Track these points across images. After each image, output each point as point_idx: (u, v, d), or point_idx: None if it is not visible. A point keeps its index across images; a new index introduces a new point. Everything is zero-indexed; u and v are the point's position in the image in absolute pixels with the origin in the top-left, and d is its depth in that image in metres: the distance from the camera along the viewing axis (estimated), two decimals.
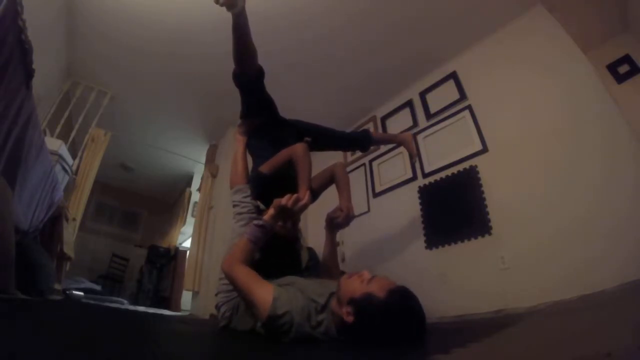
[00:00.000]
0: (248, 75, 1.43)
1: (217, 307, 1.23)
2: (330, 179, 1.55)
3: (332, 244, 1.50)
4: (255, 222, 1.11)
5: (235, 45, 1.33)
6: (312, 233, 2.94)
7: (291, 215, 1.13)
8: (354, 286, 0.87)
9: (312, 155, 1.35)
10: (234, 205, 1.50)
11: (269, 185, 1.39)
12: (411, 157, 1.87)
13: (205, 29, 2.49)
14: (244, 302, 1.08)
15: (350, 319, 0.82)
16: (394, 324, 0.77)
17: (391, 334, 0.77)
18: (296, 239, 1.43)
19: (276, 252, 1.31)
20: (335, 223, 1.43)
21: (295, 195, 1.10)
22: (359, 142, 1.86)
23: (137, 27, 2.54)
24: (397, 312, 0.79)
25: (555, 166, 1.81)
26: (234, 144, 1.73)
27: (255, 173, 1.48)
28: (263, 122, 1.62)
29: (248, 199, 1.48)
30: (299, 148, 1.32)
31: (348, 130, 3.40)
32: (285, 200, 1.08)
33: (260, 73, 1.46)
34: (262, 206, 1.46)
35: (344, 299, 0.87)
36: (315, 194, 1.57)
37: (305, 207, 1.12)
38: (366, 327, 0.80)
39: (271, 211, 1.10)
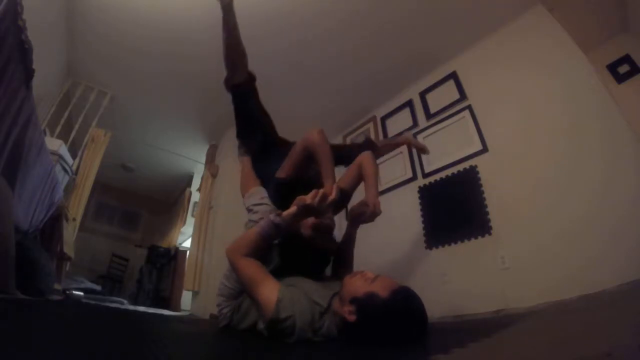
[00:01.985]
0: (239, 77, 1.40)
1: (219, 307, 1.19)
2: (359, 172, 1.37)
3: (352, 239, 1.39)
4: (272, 217, 0.98)
5: (225, 45, 1.32)
6: None
7: (317, 215, 0.98)
8: (357, 285, 0.86)
9: None
10: (249, 211, 1.36)
11: (290, 190, 1.18)
12: (423, 151, 1.84)
13: (205, 28, 2.48)
14: (248, 297, 1.04)
15: (352, 318, 0.82)
16: (395, 324, 0.77)
17: (392, 334, 0.77)
18: (333, 249, 1.26)
19: (305, 263, 1.15)
20: (360, 219, 1.30)
21: (321, 191, 0.94)
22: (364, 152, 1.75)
23: (137, 27, 2.54)
24: (400, 312, 0.78)
25: (555, 166, 1.81)
26: (243, 164, 1.57)
27: (273, 182, 1.33)
28: (263, 141, 1.47)
29: (265, 200, 1.33)
30: (313, 134, 1.13)
31: (347, 130, 3.41)
32: (311, 198, 0.93)
33: (251, 76, 1.43)
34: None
35: (346, 298, 0.87)
36: (346, 195, 1.38)
37: (333, 203, 0.97)
38: (368, 327, 0.80)
39: (293, 209, 0.97)
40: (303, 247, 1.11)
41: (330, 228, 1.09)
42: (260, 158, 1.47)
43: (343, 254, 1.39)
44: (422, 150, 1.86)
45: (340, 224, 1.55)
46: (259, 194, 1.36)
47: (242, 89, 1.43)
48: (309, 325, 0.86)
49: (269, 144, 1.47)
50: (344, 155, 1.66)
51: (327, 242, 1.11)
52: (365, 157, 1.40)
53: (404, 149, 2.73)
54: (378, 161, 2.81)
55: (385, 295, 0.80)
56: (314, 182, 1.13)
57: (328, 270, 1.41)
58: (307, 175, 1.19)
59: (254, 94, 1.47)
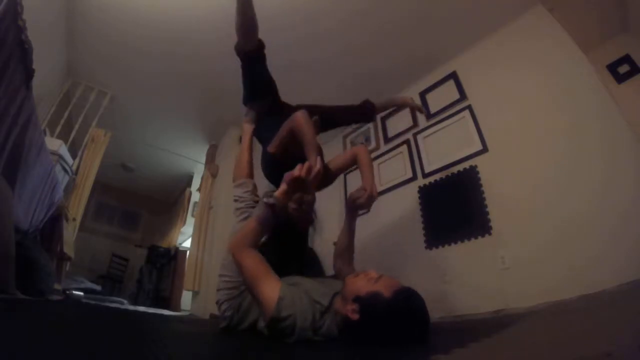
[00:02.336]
0: (251, 44, 1.44)
1: (218, 304, 1.19)
2: (351, 160, 1.52)
3: (351, 228, 1.42)
4: (266, 199, 1.02)
5: (239, 12, 1.34)
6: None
7: (305, 189, 1.02)
8: (360, 284, 0.87)
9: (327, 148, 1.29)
10: (235, 200, 1.46)
11: (278, 164, 1.30)
12: (420, 110, 1.94)
13: (205, 28, 2.49)
14: (248, 295, 1.05)
15: (355, 316, 0.82)
16: (398, 324, 0.77)
17: (395, 334, 0.77)
18: (311, 223, 1.36)
19: (285, 244, 1.25)
20: (358, 204, 1.34)
21: (306, 164, 0.99)
22: (364, 111, 1.81)
23: (137, 27, 2.54)
24: (402, 312, 0.79)
25: (555, 166, 1.81)
26: (243, 135, 1.70)
27: (263, 154, 1.45)
28: (268, 106, 1.58)
29: (248, 194, 1.45)
30: (297, 115, 1.22)
31: (347, 129, 3.41)
32: (298, 170, 0.97)
33: (261, 43, 1.48)
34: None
35: (349, 297, 0.87)
36: (331, 176, 1.51)
37: (319, 175, 1.02)
38: (370, 326, 0.80)
39: (283, 187, 0.99)
40: (287, 228, 1.17)
41: (310, 202, 1.13)
42: (266, 120, 1.57)
43: (344, 247, 1.41)
44: (419, 110, 1.95)
45: (339, 218, 1.60)
46: (244, 187, 1.48)
47: (253, 55, 1.48)
48: (309, 325, 0.86)
49: (276, 107, 1.58)
50: (348, 114, 1.81)
51: (308, 215, 1.16)
52: (360, 149, 1.53)
53: (404, 149, 2.73)
54: (379, 161, 2.85)
55: (389, 294, 0.81)
56: (299, 158, 1.19)
57: (328, 271, 1.42)
58: (295, 155, 1.23)
59: (263, 61, 1.53)
